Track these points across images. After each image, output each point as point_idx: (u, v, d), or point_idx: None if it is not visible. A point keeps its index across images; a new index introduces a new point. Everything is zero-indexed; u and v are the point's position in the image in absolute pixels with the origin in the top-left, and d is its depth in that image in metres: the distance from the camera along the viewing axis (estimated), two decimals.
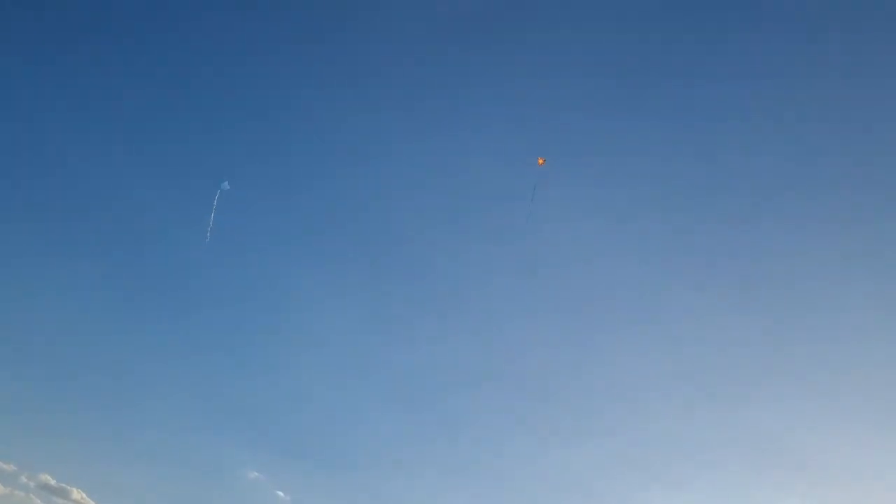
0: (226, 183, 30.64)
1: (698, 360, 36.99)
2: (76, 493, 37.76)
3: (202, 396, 38.24)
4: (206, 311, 38.54)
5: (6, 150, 39.95)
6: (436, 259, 38.04)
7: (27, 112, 40.39)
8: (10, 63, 38.54)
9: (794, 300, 36.77)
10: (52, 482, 37.75)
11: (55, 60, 39.42)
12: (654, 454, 36.69)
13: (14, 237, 39.11)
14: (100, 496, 36.77)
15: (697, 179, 39.00)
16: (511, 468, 37.54)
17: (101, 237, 39.23)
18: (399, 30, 39.54)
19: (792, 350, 36.17)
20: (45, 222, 39.52)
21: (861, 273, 35.94)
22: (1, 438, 36.48)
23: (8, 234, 38.93)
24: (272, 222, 34.01)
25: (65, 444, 37.67)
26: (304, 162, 39.70)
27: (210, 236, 30.82)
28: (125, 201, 39.45)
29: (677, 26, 39.57)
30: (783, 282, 36.72)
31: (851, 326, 35.66)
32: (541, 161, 30.49)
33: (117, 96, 39.81)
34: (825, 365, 35.63)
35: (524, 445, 37.16)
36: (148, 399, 38.62)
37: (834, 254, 36.24)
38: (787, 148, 38.73)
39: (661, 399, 37.27)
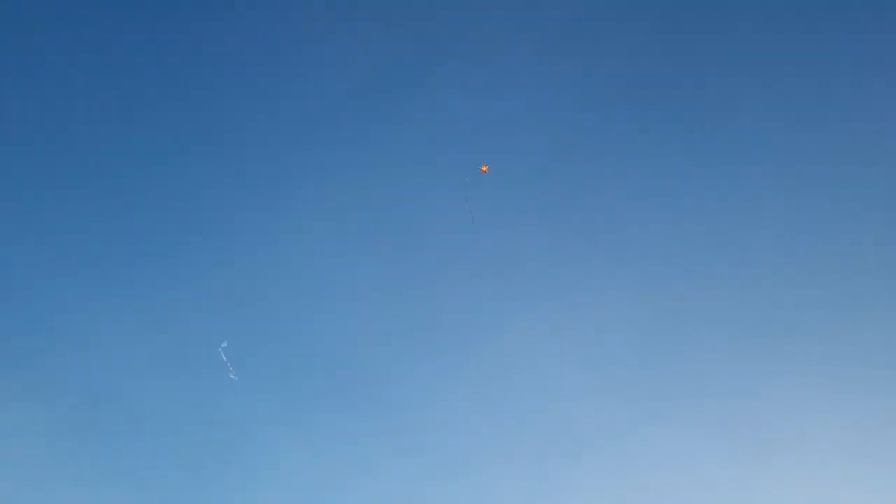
0: (224, 344, 30.62)
1: None
2: None
3: None
4: (153, 453, 36.90)
5: None
6: (404, 399, 37.33)
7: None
8: None
9: (778, 442, 35.71)
10: None
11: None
12: None
13: None
14: None
15: (676, 319, 37.80)
16: None
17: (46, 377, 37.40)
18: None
19: (777, 495, 36.40)
20: None
21: (851, 413, 34.66)
22: None
23: None
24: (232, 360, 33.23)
25: None
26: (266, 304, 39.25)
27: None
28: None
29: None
30: (767, 423, 35.77)
31: (839, 470, 34.99)
32: (484, 168, 29.36)
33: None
34: None
35: None
36: None
37: (822, 395, 34.66)
38: (773, 290, 36.18)
39: None
